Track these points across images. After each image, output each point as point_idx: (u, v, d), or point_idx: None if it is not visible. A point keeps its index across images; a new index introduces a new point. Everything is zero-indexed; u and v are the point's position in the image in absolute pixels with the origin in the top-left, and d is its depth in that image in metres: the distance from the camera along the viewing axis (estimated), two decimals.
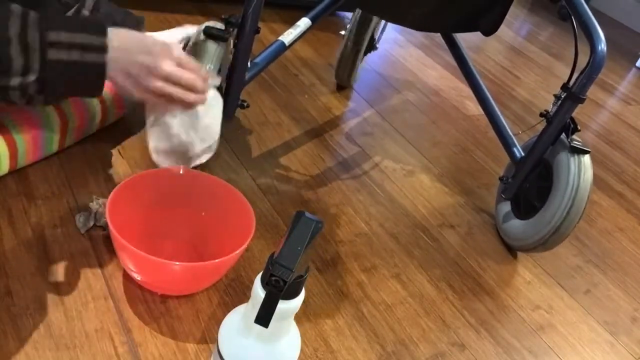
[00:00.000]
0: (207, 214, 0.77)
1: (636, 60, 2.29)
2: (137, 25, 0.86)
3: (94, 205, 0.78)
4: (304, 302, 0.76)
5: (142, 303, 0.70)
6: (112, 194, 0.67)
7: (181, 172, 0.76)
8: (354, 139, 1.17)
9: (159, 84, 0.68)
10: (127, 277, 0.72)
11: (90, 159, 0.89)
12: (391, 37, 1.78)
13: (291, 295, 0.49)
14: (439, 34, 1.83)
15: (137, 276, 0.68)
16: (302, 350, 0.70)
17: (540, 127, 0.95)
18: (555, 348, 0.83)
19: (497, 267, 0.95)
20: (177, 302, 0.71)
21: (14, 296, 0.66)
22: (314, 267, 0.83)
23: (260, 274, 0.49)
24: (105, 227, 0.77)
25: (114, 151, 0.92)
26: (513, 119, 1.48)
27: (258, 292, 0.48)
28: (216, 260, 0.64)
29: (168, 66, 0.68)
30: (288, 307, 0.49)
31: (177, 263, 0.64)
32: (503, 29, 2.18)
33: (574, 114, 0.89)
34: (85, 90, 0.67)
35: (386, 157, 1.15)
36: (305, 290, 0.78)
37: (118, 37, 0.65)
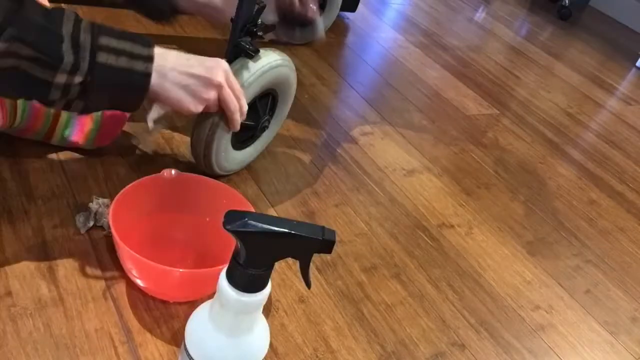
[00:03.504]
0: (211, 220, 0.77)
1: (636, 60, 2.29)
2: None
3: (93, 205, 0.78)
4: (303, 302, 0.77)
5: (142, 303, 0.70)
6: (114, 200, 0.67)
7: (173, 173, 0.75)
8: (354, 139, 1.17)
9: (215, 94, 0.74)
10: (127, 277, 0.72)
11: (90, 159, 0.89)
12: (391, 37, 1.78)
13: (257, 288, 0.48)
14: (440, 35, 1.83)
15: (140, 283, 0.68)
16: (302, 350, 0.71)
17: None
18: (555, 348, 0.83)
19: (497, 267, 0.95)
20: (177, 302, 0.71)
21: (14, 296, 0.66)
22: (314, 266, 0.83)
23: (226, 267, 0.49)
24: (105, 227, 0.77)
25: (115, 151, 0.92)
26: (513, 118, 1.48)
27: (224, 287, 0.48)
28: (220, 267, 0.64)
29: (221, 77, 0.73)
30: (253, 301, 0.48)
31: (180, 270, 0.64)
32: (503, 29, 2.19)
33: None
34: (126, 100, 0.69)
35: (386, 157, 1.15)
36: (305, 290, 0.78)
37: (169, 54, 0.70)
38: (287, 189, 0.97)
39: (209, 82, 0.73)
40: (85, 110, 0.67)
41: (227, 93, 0.76)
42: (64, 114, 0.85)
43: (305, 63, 1.42)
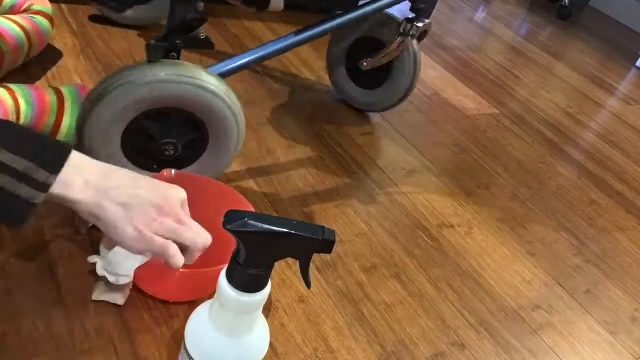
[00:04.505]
0: (211, 220, 0.77)
1: (636, 60, 2.29)
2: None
3: None
4: (303, 302, 0.77)
5: (142, 303, 0.70)
6: None
7: (173, 173, 0.75)
8: (354, 139, 1.17)
9: (167, 226, 0.55)
10: None
11: None
12: None
13: (257, 288, 0.48)
14: (440, 35, 1.83)
15: (140, 283, 0.68)
16: (302, 350, 0.71)
17: None
18: (555, 348, 0.83)
19: (497, 267, 0.95)
20: (177, 302, 0.71)
21: (14, 296, 0.66)
22: (314, 266, 0.83)
23: (226, 267, 0.49)
24: None
25: None
26: (513, 118, 1.48)
27: (224, 287, 0.48)
28: (220, 267, 0.64)
29: (178, 207, 0.57)
30: (253, 301, 0.48)
31: (180, 270, 0.63)
32: (503, 29, 2.19)
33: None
34: (3, 220, 0.52)
35: (386, 157, 1.15)
36: (305, 290, 0.78)
37: (113, 173, 0.55)
38: (287, 189, 0.97)
39: (160, 209, 0.55)
40: None
41: (183, 229, 0.57)
42: (68, 110, 0.84)
43: (304, 63, 1.42)
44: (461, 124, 1.38)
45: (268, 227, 0.45)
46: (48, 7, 1.03)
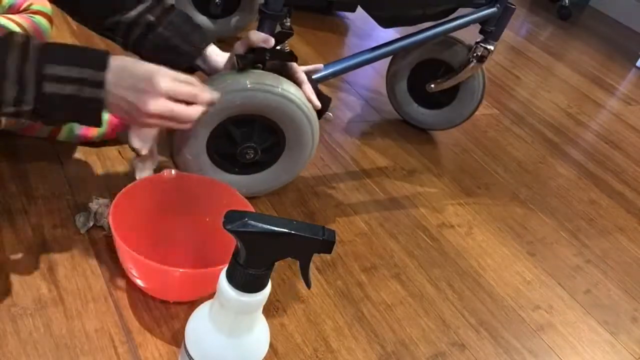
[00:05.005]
0: (211, 220, 0.77)
1: (636, 60, 2.29)
2: (203, 41, 0.81)
3: (93, 205, 0.78)
4: (303, 302, 0.77)
5: (142, 303, 0.70)
6: (114, 200, 0.67)
7: (173, 173, 0.75)
8: (354, 139, 1.17)
9: (152, 121, 0.66)
10: (127, 277, 0.72)
11: (90, 159, 0.89)
12: (391, 37, 1.78)
13: (257, 288, 0.48)
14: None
15: (140, 283, 0.68)
16: (302, 350, 0.71)
17: None
18: (555, 348, 0.83)
19: (497, 267, 0.95)
20: (177, 302, 0.71)
21: (14, 296, 0.66)
22: (314, 266, 0.83)
23: (226, 267, 0.49)
24: (105, 227, 0.77)
25: (114, 151, 0.92)
26: (513, 118, 1.48)
27: (224, 287, 0.48)
28: (220, 267, 0.64)
29: (155, 106, 0.64)
30: (253, 301, 0.48)
31: (180, 270, 0.63)
32: None
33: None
34: (82, 121, 0.66)
35: (386, 157, 1.15)
36: (305, 290, 0.78)
37: (116, 69, 0.64)
38: (287, 189, 0.97)
39: (141, 111, 0.64)
40: (49, 125, 0.66)
41: (169, 115, 0.66)
42: None
43: (304, 63, 1.42)
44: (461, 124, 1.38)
45: (268, 227, 0.45)
46: (47, 7, 1.03)
